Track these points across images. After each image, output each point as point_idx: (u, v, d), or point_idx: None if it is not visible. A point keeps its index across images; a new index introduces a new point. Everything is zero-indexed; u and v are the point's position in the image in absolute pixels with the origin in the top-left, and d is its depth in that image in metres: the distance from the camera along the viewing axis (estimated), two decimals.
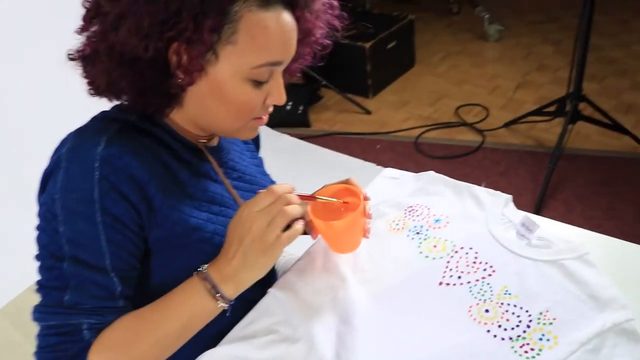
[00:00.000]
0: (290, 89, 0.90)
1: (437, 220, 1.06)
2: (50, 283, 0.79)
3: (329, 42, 0.93)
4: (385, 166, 1.25)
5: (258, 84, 0.83)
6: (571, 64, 2.35)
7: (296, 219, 0.82)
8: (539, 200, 2.27)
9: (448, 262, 0.97)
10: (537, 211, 2.24)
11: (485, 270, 0.95)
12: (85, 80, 0.84)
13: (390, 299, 0.93)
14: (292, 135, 2.93)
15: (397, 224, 1.07)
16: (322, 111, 3.15)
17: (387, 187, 1.17)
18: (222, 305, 0.82)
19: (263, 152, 1.17)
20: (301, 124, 3.01)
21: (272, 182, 1.11)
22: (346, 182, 0.98)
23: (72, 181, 0.77)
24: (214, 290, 0.81)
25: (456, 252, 0.99)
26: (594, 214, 2.25)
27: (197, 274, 0.83)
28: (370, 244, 1.02)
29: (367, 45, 3.05)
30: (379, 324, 0.89)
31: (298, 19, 0.84)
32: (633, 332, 0.82)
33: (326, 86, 3.14)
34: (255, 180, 1.04)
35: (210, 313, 0.83)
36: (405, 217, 1.08)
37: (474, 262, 0.96)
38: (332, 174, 1.21)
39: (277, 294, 0.95)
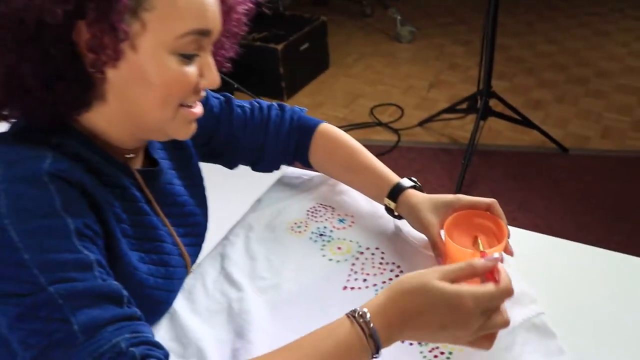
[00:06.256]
0: None
1: (341, 221, 0.99)
2: (43, 327, 0.59)
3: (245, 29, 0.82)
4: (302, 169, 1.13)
5: (185, 58, 0.70)
6: (480, 62, 2.38)
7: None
8: None
9: (353, 264, 0.91)
10: None
11: (392, 271, 0.89)
12: None
13: (291, 308, 0.85)
14: None
15: (299, 227, 0.99)
16: None
17: (288, 188, 1.09)
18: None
19: None
20: None
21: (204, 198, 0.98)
22: (490, 205, 0.94)
23: (21, 201, 0.62)
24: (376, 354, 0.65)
25: (361, 253, 0.92)
26: (509, 208, 2.26)
27: (362, 331, 0.65)
28: (270, 249, 0.94)
29: (279, 46, 2.98)
30: (277, 336, 0.80)
31: None
32: (543, 326, 0.78)
33: (239, 89, 3.04)
34: (186, 201, 0.91)
35: None
36: (308, 218, 1.01)
37: (380, 264, 0.90)
38: (245, 180, 1.12)
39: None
